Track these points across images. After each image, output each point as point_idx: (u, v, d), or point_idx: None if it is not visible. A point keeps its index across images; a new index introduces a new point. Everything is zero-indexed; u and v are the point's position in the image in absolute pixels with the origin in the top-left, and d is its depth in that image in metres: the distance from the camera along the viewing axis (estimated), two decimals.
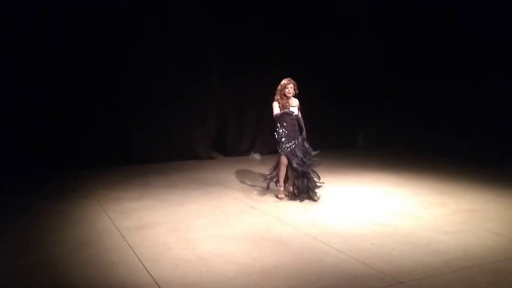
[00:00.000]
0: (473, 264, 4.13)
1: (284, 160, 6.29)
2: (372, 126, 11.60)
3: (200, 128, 9.67)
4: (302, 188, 6.27)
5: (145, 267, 4.05)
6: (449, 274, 3.94)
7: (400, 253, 4.39)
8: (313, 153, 6.37)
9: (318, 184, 6.39)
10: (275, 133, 6.35)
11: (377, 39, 11.00)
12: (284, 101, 6.27)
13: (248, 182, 7.48)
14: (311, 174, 6.29)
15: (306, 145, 6.37)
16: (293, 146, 6.25)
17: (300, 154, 6.24)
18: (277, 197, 6.43)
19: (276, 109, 6.31)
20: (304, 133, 6.38)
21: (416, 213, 5.76)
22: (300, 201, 6.23)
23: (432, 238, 4.79)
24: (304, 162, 6.23)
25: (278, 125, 6.32)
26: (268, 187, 6.72)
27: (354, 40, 10.80)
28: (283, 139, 6.26)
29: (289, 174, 6.39)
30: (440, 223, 5.33)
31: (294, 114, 6.24)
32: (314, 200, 6.23)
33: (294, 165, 6.22)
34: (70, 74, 8.28)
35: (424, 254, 4.35)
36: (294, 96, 6.36)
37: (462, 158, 9.13)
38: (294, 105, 6.33)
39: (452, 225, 5.24)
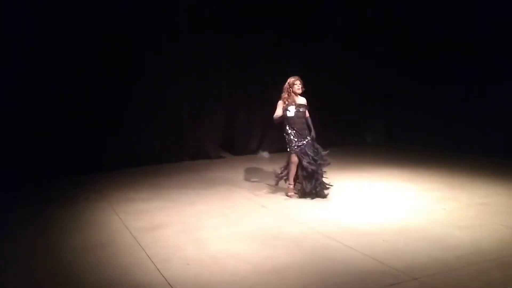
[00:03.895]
0: (486, 259, 4.10)
1: (294, 159, 6.26)
2: (381, 122, 11.51)
3: (208, 128, 9.66)
4: (311, 189, 6.23)
5: (157, 268, 4.06)
6: (462, 269, 3.91)
7: (413, 249, 4.37)
8: (323, 153, 6.33)
9: (327, 186, 6.34)
10: (284, 133, 6.34)
11: (391, 32, 10.94)
12: (291, 100, 6.26)
13: (257, 180, 7.48)
14: (320, 175, 6.26)
15: (316, 145, 6.35)
16: (303, 145, 6.23)
17: (310, 153, 6.22)
18: (286, 195, 6.41)
19: (279, 110, 6.31)
20: (313, 132, 6.34)
21: (428, 208, 5.72)
22: (311, 199, 6.21)
23: (445, 233, 4.76)
24: (315, 161, 6.21)
25: (287, 124, 6.31)
26: (277, 184, 6.71)
27: (366, 36, 10.75)
28: (293, 138, 6.25)
29: (299, 173, 6.36)
30: (453, 218, 5.29)
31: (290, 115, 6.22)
32: (324, 197, 6.21)
33: (305, 163, 6.18)
34: (77, 77, 8.25)
35: (437, 250, 4.32)
36: (301, 95, 6.34)
37: (473, 152, 9.03)
38: (300, 103, 6.32)
39: (464, 219, 5.20)
